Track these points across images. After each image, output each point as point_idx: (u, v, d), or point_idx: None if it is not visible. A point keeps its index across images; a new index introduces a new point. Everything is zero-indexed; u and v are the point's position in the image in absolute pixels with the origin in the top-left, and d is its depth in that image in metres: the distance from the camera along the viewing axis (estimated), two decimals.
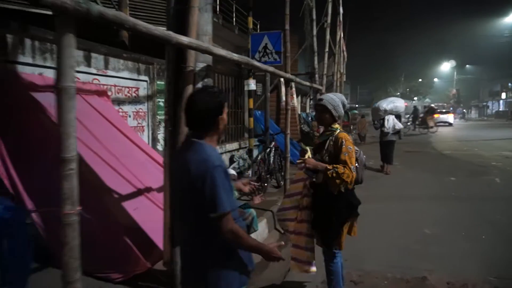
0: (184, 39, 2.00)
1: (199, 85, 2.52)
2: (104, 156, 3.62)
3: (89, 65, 4.53)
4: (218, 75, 8.37)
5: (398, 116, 9.42)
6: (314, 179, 2.83)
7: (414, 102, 56.77)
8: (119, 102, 5.03)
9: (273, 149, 6.54)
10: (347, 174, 2.61)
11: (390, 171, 9.16)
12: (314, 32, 8.52)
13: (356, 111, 28.14)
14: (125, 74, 5.11)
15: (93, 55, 4.57)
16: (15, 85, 3.49)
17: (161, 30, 1.84)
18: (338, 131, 2.82)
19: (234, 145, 9.11)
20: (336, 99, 2.83)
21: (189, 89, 2.42)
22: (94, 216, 3.18)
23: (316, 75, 8.43)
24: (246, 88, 8.02)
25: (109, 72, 4.84)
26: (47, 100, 3.68)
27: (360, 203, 2.91)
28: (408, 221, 5.25)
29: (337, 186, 2.66)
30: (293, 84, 11.76)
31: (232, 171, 4.06)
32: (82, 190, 3.27)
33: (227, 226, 1.58)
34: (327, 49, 9.42)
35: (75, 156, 1.53)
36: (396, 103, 9.19)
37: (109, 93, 4.77)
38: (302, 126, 12.12)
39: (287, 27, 4.68)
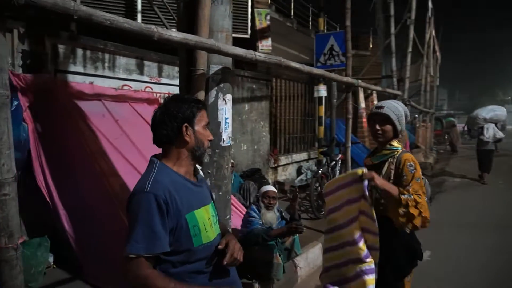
0: (172, 34, 1.62)
1: (213, 91, 2.13)
2: (141, 168, 3.45)
3: (141, 73, 4.50)
4: (285, 81, 7.96)
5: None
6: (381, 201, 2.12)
7: None
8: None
9: (339, 162, 5.84)
10: (425, 207, 1.98)
11: (487, 181, 8.66)
12: (392, 29, 7.53)
13: (452, 118, 25.07)
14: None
15: (146, 62, 4.54)
16: (63, 94, 3.53)
17: (134, 23, 1.49)
18: (401, 150, 2.16)
19: (303, 156, 8.59)
20: (400, 109, 2.19)
21: (200, 96, 2.04)
22: (118, 235, 3.00)
23: (394, 79, 7.43)
24: (315, 95, 7.49)
25: (163, 80, 4.77)
26: (94, 109, 3.69)
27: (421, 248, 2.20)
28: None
29: (410, 220, 1.97)
30: (374, 91, 10.79)
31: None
32: (110, 205, 3.20)
33: (134, 272, 1.24)
34: (410, 49, 8.29)
35: (10, 179, 1.24)
36: (496, 111, 9.07)
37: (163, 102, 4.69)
38: None
39: (348, 23, 4.03)
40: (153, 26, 1.54)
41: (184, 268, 1.36)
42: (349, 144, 4.19)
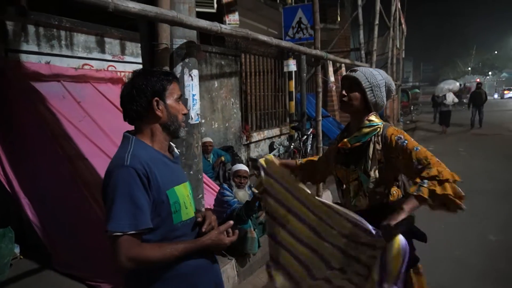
0: (130, 4, 1.50)
1: (179, 66, 2.03)
2: (108, 150, 3.31)
3: (103, 51, 4.26)
4: (254, 56, 7.83)
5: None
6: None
7: (488, 77, 51.11)
8: None
9: (311, 136, 5.89)
10: (444, 171, 1.51)
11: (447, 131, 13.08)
12: (359, 1, 7.50)
13: (418, 90, 25.86)
14: None
15: (107, 40, 4.29)
16: (17, 75, 3.28)
17: None
18: (382, 125, 1.77)
19: (275, 131, 8.58)
20: (378, 77, 1.78)
21: None
22: (88, 220, 2.90)
23: (362, 52, 7.46)
24: (285, 70, 7.44)
25: (126, 58, 4.54)
26: (52, 90, 3.46)
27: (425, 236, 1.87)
28: (469, 224, 4.35)
29: (445, 203, 1.50)
30: (343, 65, 10.82)
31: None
32: (78, 188, 3.07)
33: (123, 252, 1.15)
34: (377, 22, 8.31)
35: None
36: (453, 84, 16.00)
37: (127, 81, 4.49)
38: None
39: None
40: None
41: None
42: (320, 118, 4.21)
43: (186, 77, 2.02)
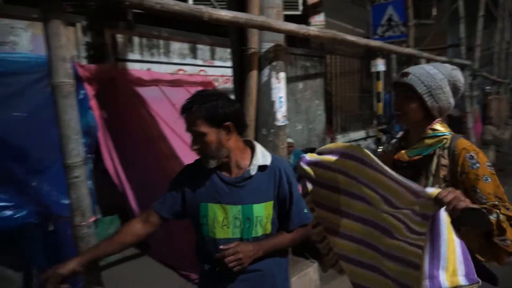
0: (222, 13, 1.59)
1: (266, 69, 2.08)
2: None
3: (195, 57, 4.57)
4: (340, 57, 7.63)
5: None
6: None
7: None
8: (227, 92, 4.97)
9: None
10: None
11: None
12: None
13: None
14: None
15: (199, 46, 4.59)
16: (123, 82, 3.70)
17: (184, 4, 1.47)
18: (450, 135, 1.47)
19: (360, 134, 8.26)
20: (437, 75, 1.45)
21: (253, 75, 2.01)
22: None
23: (463, 47, 6.73)
24: (373, 70, 7.10)
25: (216, 62, 4.81)
26: (151, 94, 3.83)
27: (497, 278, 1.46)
28: None
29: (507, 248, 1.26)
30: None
31: None
32: None
33: None
34: (482, 13, 7.42)
35: (80, 162, 1.32)
36: None
37: (216, 84, 4.74)
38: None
39: None
40: (202, 7, 1.52)
41: (198, 251, 1.51)
42: None
43: (273, 79, 2.06)
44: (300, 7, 6.06)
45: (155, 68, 4.10)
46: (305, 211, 1.52)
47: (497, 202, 1.29)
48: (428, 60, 9.33)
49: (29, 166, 1.99)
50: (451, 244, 1.17)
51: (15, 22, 3.03)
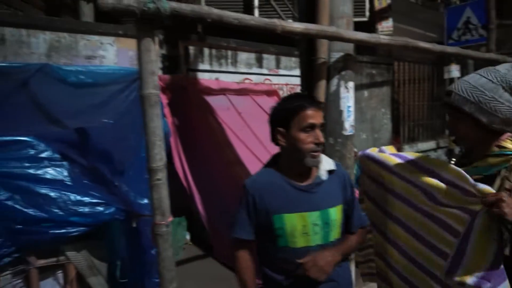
0: (295, 25, 1.63)
1: (335, 79, 2.08)
2: (263, 158, 3.63)
3: (261, 66, 4.69)
4: (408, 63, 7.28)
5: None
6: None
7: None
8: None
9: None
10: None
11: None
12: None
13: None
14: (297, 71, 5.00)
15: (265, 55, 4.71)
16: (194, 91, 3.93)
17: (258, 19, 1.55)
18: None
19: (430, 144, 7.75)
20: (487, 85, 1.24)
21: (321, 85, 2.03)
22: None
23: None
24: (446, 76, 6.68)
25: (280, 71, 4.89)
26: (219, 102, 4.01)
27: None
28: None
29: None
30: None
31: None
32: (237, 191, 3.44)
33: (233, 249, 1.47)
34: None
35: (162, 166, 1.44)
36: None
37: (281, 92, 4.81)
38: None
39: None
40: (276, 20, 1.58)
41: (270, 262, 1.44)
42: None
43: (342, 89, 2.06)
44: (367, 13, 5.93)
45: (223, 77, 4.28)
46: (363, 213, 1.58)
47: None
48: None
49: (114, 168, 2.20)
50: (483, 247, 1.12)
51: (104, 38, 3.38)
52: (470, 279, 1.13)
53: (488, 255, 1.12)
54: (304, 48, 2.13)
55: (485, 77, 1.25)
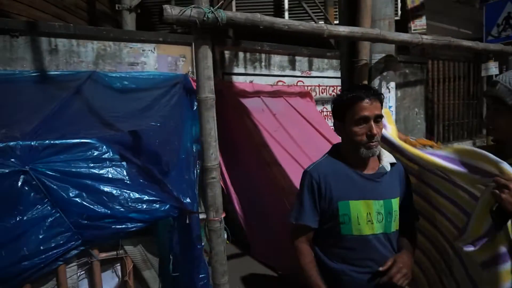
0: (340, 29, 1.68)
1: (377, 80, 2.11)
2: (298, 158, 3.68)
3: (293, 68, 4.74)
4: (443, 62, 7.10)
5: None
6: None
7: None
8: (323, 101, 5.04)
9: None
10: None
11: None
12: None
13: None
14: (329, 73, 5.06)
15: (297, 58, 4.76)
16: (230, 94, 4.04)
17: (307, 24, 1.61)
18: None
19: (466, 144, 7.53)
20: None
21: None
22: (282, 218, 3.28)
23: None
24: (483, 74, 6.44)
25: (313, 73, 4.92)
26: (254, 105, 4.10)
27: None
28: None
29: None
30: None
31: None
32: (274, 191, 3.50)
33: (291, 236, 1.51)
34: None
35: (216, 165, 1.53)
36: None
37: (314, 94, 4.84)
38: None
39: None
40: (323, 24, 1.65)
41: (331, 251, 1.45)
42: None
43: (383, 89, 2.09)
44: (399, 12, 5.85)
45: (257, 80, 4.37)
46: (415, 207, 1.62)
47: None
48: None
49: (161, 168, 2.31)
50: (481, 220, 1.26)
51: (145, 45, 3.54)
52: (462, 243, 1.34)
53: (483, 228, 1.25)
54: (345, 50, 2.17)
55: None
